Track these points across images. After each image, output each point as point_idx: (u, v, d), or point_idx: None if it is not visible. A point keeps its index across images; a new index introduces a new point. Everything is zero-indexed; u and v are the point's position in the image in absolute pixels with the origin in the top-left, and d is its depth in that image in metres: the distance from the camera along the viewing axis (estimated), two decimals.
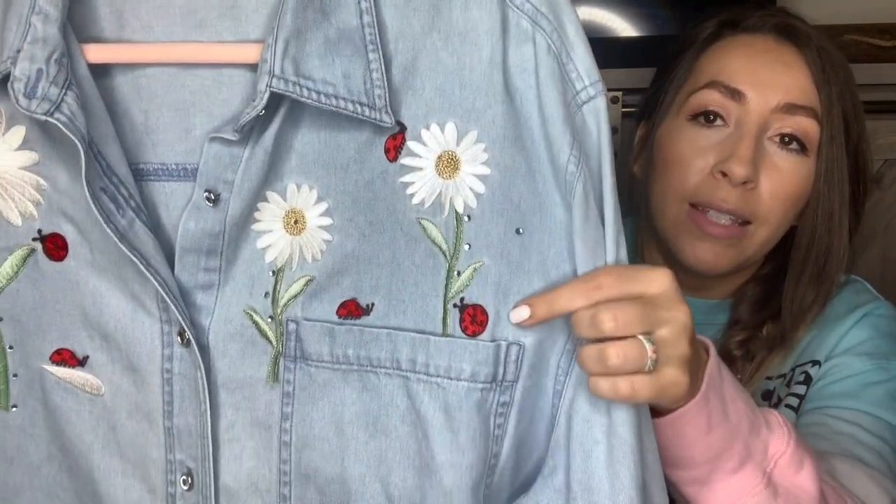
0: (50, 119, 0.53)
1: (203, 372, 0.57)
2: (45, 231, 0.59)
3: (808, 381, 0.88)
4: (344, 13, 0.56)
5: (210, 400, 0.58)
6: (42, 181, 0.58)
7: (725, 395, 0.64)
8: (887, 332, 0.90)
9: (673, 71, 0.94)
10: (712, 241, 0.88)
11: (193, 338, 0.57)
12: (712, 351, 0.64)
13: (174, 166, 0.60)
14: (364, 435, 0.59)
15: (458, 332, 0.58)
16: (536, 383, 0.59)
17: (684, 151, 0.88)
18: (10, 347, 0.60)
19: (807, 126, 0.86)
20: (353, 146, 0.57)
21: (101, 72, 0.58)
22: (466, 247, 0.58)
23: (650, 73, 1.09)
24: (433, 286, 0.58)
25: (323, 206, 0.58)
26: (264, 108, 0.54)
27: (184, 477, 0.59)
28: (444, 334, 0.58)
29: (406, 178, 0.58)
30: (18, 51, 0.54)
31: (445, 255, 0.58)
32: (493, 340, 0.58)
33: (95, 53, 0.58)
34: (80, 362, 0.60)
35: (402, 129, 0.57)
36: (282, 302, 0.58)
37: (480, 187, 0.57)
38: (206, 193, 0.56)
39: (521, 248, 0.58)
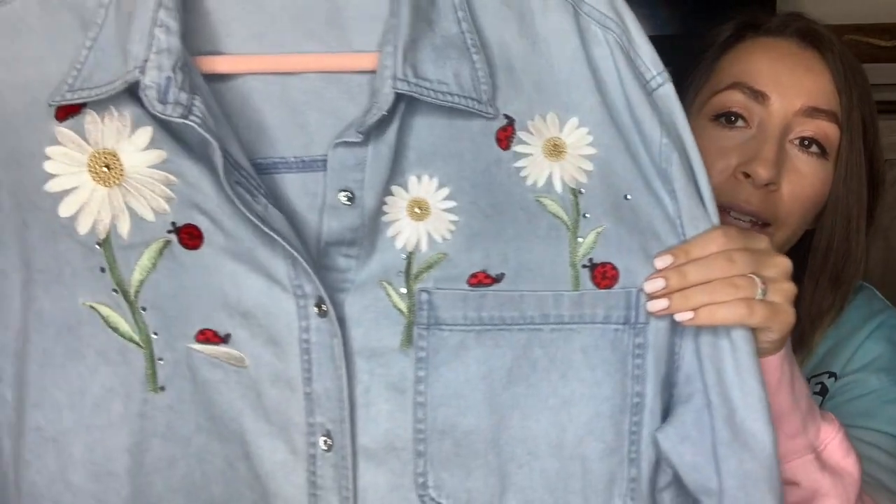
0: (186, 121, 0.59)
1: (340, 340, 0.63)
2: (179, 223, 0.63)
3: (823, 392, 0.90)
4: (445, 22, 0.64)
5: (346, 367, 0.63)
6: (172, 177, 0.63)
7: (794, 372, 0.71)
8: None
9: (692, 71, 0.96)
10: None
11: (331, 309, 0.62)
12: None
13: (293, 159, 0.66)
14: (498, 386, 0.65)
15: (590, 286, 0.65)
16: (664, 324, 0.67)
17: (706, 152, 0.89)
18: (155, 334, 0.64)
19: (828, 130, 0.88)
20: (466, 137, 0.65)
21: (215, 76, 0.64)
22: (586, 216, 0.66)
23: None
24: (559, 252, 0.65)
25: (445, 191, 0.65)
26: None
27: (324, 438, 0.64)
28: (576, 289, 0.65)
29: (519, 164, 0.66)
30: (145, 61, 0.60)
31: (567, 225, 0.66)
32: (623, 289, 0.65)
33: (224, 64, 0.65)
34: (224, 339, 0.64)
35: (511, 121, 0.66)
36: (414, 276, 0.65)
37: (588, 165, 0.66)
38: (343, 194, 0.63)
39: (631, 210, 0.66)
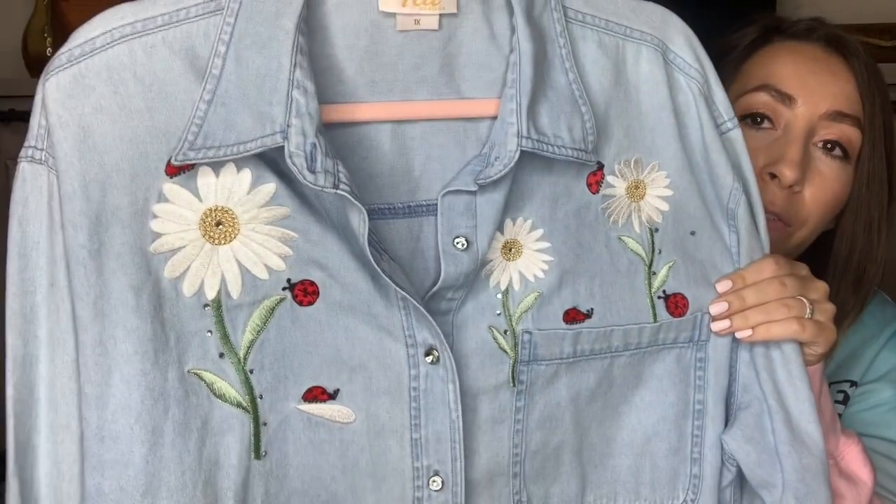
0: (338, 192, 0.59)
1: (456, 385, 0.65)
2: (295, 279, 0.63)
3: (845, 400, 0.92)
4: (555, 73, 0.66)
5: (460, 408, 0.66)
6: (291, 233, 0.63)
7: (823, 386, 0.77)
8: None
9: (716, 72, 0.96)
10: None
11: (447, 355, 0.64)
12: None
13: (400, 205, 0.67)
14: (582, 405, 0.70)
15: (666, 316, 0.71)
16: (724, 341, 0.73)
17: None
18: (261, 397, 0.63)
19: (850, 134, 0.90)
20: (561, 182, 0.68)
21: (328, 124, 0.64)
22: (659, 252, 0.71)
23: None
24: (638, 286, 0.70)
25: (539, 232, 0.68)
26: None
27: (434, 479, 0.66)
28: (655, 321, 0.71)
29: (605, 205, 0.70)
30: (288, 126, 0.59)
31: (644, 261, 0.71)
32: (692, 314, 0.72)
33: (343, 113, 0.64)
34: (332, 396, 0.65)
35: (601, 166, 0.69)
36: (515, 317, 0.68)
37: (664, 206, 0.71)
38: (459, 240, 0.64)
39: (695, 245, 0.72)
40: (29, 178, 0.62)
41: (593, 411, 0.71)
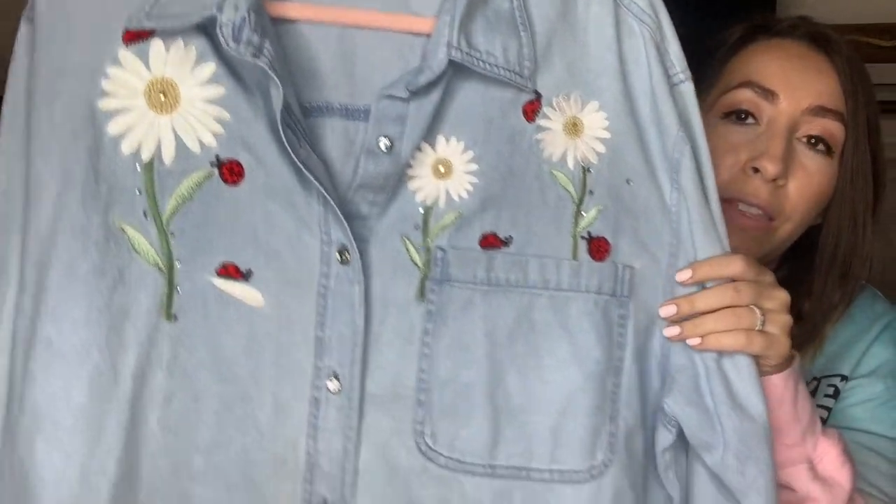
0: (257, 62, 0.63)
1: (362, 287, 0.67)
2: (223, 157, 0.67)
3: (836, 394, 0.95)
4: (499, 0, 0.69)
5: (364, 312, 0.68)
6: (225, 113, 0.67)
7: (799, 389, 0.78)
8: None
9: (704, 70, 1.00)
10: (741, 232, 0.92)
11: (356, 257, 0.67)
12: (797, 356, 0.79)
13: (337, 106, 0.70)
14: (499, 344, 0.70)
15: (587, 258, 0.71)
16: (645, 302, 0.73)
17: (716, 148, 0.95)
18: (179, 262, 0.66)
19: (833, 129, 0.92)
20: (497, 106, 0.70)
21: (278, 20, 0.68)
22: (590, 192, 0.72)
23: None
24: (563, 223, 0.71)
25: (470, 154, 0.70)
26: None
27: (333, 381, 0.67)
28: (574, 259, 0.71)
29: (540, 136, 0.71)
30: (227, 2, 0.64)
31: (573, 199, 0.72)
32: (612, 263, 0.72)
33: (291, 10, 0.69)
34: (244, 275, 0.67)
35: (539, 96, 0.71)
36: (432, 232, 0.69)
37: (601, 147, 0.72)
38: (384, 140, 0.67)
39: (630, 194, 0.73)
40: (21, 34, 0.68)
41: (512, 355, 0.70)
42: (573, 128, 0.72)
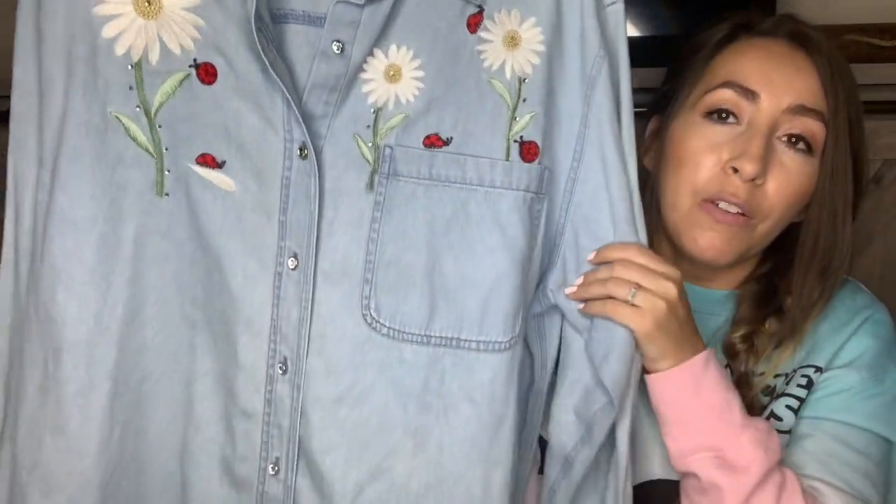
0: None
1: (317, 180, 0.77)
2: (200, 60, 0.76)
3: (809, 385, 0.94)
4: None
5: (318, 203, 0.78)
6: (200, 20, 0.76)
7: (705, 383, 0.85)
8: (885, 339, 0.96)
9: (687, 69, 1.01)
10: (721, 229, 0.94)
11: (312, 153, 0.77)
12: (706, 354, 0.85)
13: (301, 12, 0.78)
14: (437, 231, 0.80)
15: (518, 159, 0.81)
16: (552, 198, 0.85)
17: (698, 147, 0.95)
18: (167, 149, 0.76)
19: (814, 128, 0.93)
20: (444, 18, 0.79)
21: None
22: (524, 100, 0.81)
23: (653, 73, 1.10)
24: (498, 127, 0.81)
25: (417, 62, 0.79)
26: None
27: (292, 259, 0.79)
28: (507, 160, 0.81)
29: (481, 47, 0.81)
30: None
31: (508, 105, 0.81)
32: (539, 165, 0.82)
33: None
34: (219, 165, 0.77)
35: (481, 10, 0.80)
36: (381, 132, 0.79)
37: (536, 59, 0.81)
38: (336, 44, 0.76)
39: (555, 103, 0.83)
40: None
41: (449, 242, 0.81)
42: (511, 41, 0.81)
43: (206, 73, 0.76)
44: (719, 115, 0.94)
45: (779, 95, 0.92)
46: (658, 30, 1.44)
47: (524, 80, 0.81)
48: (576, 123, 0.83)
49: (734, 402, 0.85)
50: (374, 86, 0.79)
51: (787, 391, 0.94)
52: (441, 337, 0.81)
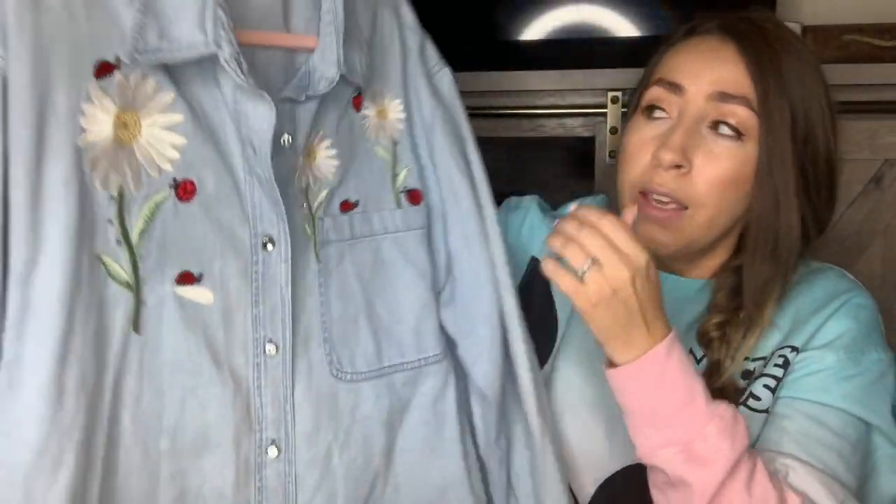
0: (262, 92, 0.78)
1: (288, 266, 0.85)
2: (179, 178, 0.79)
3: (785, 365, 0.96)
4: (351, 22, 0.87)
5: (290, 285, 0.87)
6: (182, 139, 0.79)
7: (666, 377, 0.86)
8: (865, 322, 0.97)
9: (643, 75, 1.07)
10: (653, 223, 0.97)
11: (282, 239, 0.84)
12: (665, 345, 0.87)
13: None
14: (366, 280, 0.92)
15: (407, 205, 0.96)
16: (434, 227, 0.98)
17: (634, 143, 1.00)
18: (144, 280, 0.77)
19: (740, 113, 0.95)
20: (343, 103, 0.91)
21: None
22: (399, 159, 0.96)
23: None
24: (387, 184, 0.95)
25: (328, 141, 0.90)
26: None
27: (269, 345, 0.84)
28: (399, 208, 0.95)
29: (364, 122, 0.94)
30: (219, 37, 0.76)
31: (389, 166, 0.96)
32: (425, 206, 0.97)
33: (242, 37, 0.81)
34: (197, 279, 0.81)
35: (361, 91, 0.92)
36: (314, 208, 0.89)
37: (400, 125, 0.96)
38: (286, 137, 0.84)
39: (419, 155, 0.97)
40: None
41: (375, 287, 0.93)
42: (382, 114, 0.95)
43: (185, 190, 0.79)
44: (651, 111, 0.98)
45: (701, 85, 0.95)
46: (658, 30, 1.45)
47: (396, 143, 0.96)
48: (430, 165, 0.97)
49: (697, 391, 0.87)
50: (299, 168, 0.87)
51: (765, 371, 0.96)
52: (390, 366, 0.93)
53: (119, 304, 0.76)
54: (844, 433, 0.90)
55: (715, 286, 1.01)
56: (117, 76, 0.75)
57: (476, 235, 0.96)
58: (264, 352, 0.84)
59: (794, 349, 0.94)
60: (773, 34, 0.97)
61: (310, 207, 0.88)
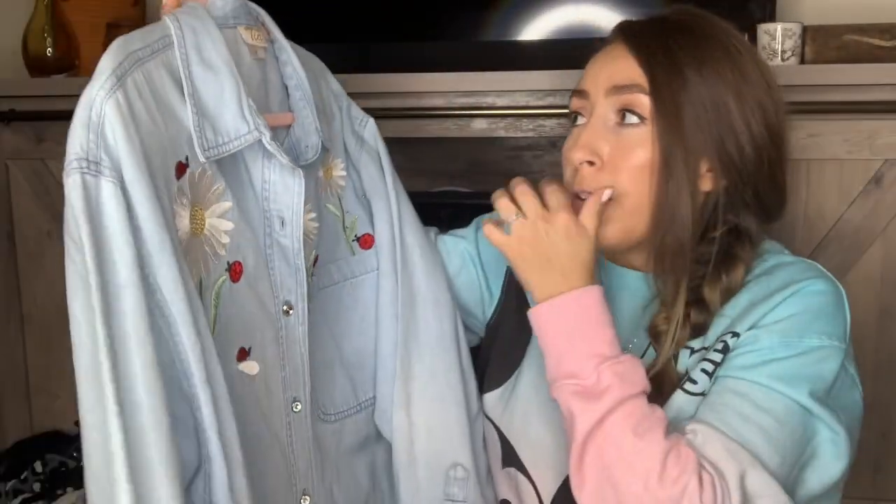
0: (297, 167, 0.89)
1: (305, 329, 0.93)
2: (231, 261, 0.87)
3: (725, 350, 0.96)
4: (318, 96, 0.98)
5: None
6: (231, 224, 0.86)
7: (576, 325, 0.92)
8: (815, 309, 0.95)
9: None
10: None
11: (299, 308, 0.93)
12: (583, 292, 0.93)
13: None
14: (332, 325, 1.01)
15: (360, 251, 1.05)
16: (385, 267, 1.05)
17: (564, 151, 1.05)
18: (220, 359, 0.81)
19: (635, 100, 0.97)
20: (314, 170, 0.99)
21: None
22: (347, 211, 1.05)
23: None
24: (340, 235, 1.03)
25: (309, 206, 0.96)
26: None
27: (295, 403, 0.93)
28: (354, 255, 1.04)
29: (318, 183, 1.01)
30: (259, 125, 0.84)
31: (339, 218, 1.04)
32: (374, 249, 1.06)
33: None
34: (248, 353, 0.88)
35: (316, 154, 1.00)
36: (308, 270, 0.95)
37: (342, 182, 1.04)
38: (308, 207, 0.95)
39: (363, 204, 1.05)
40: (93, 188, 0.74)
41: (341, 330, 1.03)
42: (329, 172, 1.03)
43: (235, 271, 0.86)
44: (574, 119, 1.04)
45: (598, 84, 0.99)
46: None
47: (342, 197, 1.04)
48: (362, 191, 1.06)
49: (604, 339, 0.91)
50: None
51: (705, 356, 0.96)
52: (366, 399, 1.04)
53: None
54: (769, 408, 0.89)
55: (657, 279, 1.03)
56: (188, 174, 0.81)
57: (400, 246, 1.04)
58: (293, 410, 0.93)
59: (736, 335, 0.95)
60: (674, 28, 1.00)
61: (307, 271, 0.94)
